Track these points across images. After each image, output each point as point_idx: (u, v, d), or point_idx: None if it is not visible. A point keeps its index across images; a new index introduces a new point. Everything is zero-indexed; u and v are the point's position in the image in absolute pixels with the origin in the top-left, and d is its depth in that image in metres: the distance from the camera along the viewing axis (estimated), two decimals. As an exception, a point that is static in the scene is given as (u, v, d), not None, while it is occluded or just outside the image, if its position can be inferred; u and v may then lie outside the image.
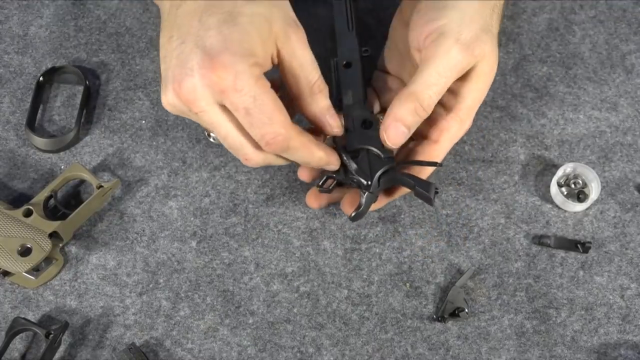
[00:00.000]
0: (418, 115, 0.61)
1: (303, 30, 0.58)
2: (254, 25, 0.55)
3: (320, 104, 0.61)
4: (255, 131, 0.56)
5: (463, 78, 0.62)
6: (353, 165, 0.62)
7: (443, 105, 0.65)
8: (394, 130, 0.61)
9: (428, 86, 0.60)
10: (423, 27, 0.61)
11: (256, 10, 0.56)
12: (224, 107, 0.56)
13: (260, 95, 0.55)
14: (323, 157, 0.61)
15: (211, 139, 0.73)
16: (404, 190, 0.66)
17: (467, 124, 0.65)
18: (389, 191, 0.67)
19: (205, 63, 0.54)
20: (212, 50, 0.54)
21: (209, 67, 0.53)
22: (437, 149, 0.65)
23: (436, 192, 0.62)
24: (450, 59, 0.60)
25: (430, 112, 0.61)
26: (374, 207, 0.66)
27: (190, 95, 0.55)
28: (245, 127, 0.57)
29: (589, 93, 0.77)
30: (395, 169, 0.63)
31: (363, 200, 0.63)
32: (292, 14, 0.58)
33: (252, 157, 0.59)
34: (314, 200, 0.68)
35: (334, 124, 0.62)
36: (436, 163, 0.64)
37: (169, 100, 0.57)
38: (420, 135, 0.66)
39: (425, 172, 0.67)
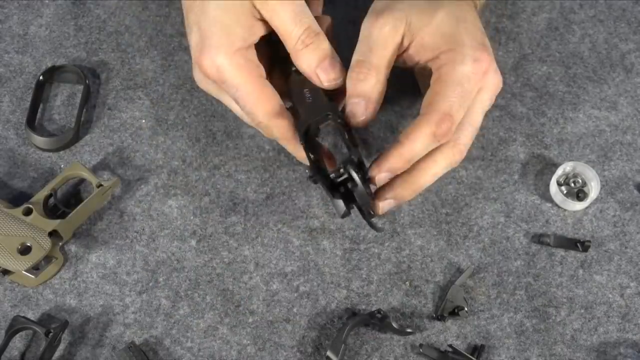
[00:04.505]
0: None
1: None
2: (223, 9, 0.57)
3: (306, 60, 0.59)
4: (246, 116, 0.61)
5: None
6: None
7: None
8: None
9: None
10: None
11: None
12: None
13: (241, 85, 0.58)
14: (302, 158, 0.62)
15: None
16: None
17: (436, 125, 0.59)
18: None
19: (197, 58, 0.59)
20: (197, 47, 0.59)
21: (199, 63, 0.59)
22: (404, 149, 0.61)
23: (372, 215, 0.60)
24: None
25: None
26: None
27: (202, 85, 0.63)
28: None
29: (589, 92, 0.77)
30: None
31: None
32: None
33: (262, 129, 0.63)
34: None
35: (324, 79, 0.60)
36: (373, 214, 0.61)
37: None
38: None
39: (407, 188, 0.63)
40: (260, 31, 0.60)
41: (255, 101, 0.59)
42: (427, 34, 0.60)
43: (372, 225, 0.60)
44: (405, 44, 0.61)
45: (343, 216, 0.60)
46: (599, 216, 0.71)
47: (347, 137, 0.59)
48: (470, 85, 0.59)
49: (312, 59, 0.60)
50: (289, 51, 0.60)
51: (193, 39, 0.59)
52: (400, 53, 0.62)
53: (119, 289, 0.68)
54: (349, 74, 0.60)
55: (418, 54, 0.61)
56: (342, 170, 0.57)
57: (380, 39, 0.59)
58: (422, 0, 0.61)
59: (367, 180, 0.60)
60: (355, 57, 0.60)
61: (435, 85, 0.59)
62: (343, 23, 0.69)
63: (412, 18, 0.60)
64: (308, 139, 0.60)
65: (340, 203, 0.59)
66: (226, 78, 0.58)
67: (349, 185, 0.58)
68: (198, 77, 0.63)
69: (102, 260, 0.69)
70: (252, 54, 0.60)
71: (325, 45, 0.60)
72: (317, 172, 0.59)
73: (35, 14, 0.79)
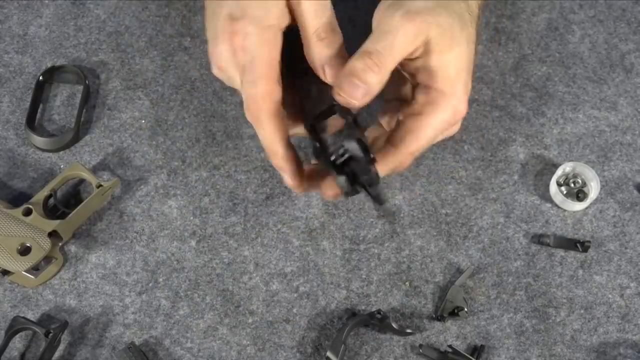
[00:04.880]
0: None
1: None
2: None
3: (317, 53, 0.59)
4: (242, 90, 0.59)
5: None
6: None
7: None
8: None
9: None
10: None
11: None
12: None
13: (258, 57, 0.58)
14: (278, 155, 0.60)
15: None
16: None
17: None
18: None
19: (227, 27, 0.58)
20: (231, 16, 0.58)
21: (229, 31, 0.58)
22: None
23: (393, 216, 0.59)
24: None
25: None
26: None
27: (219, 60, 0.60)
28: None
29: (589, 92, 0.77)
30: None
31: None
32: None
33: None
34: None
35: (329, 74, 0.59)
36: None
37: (213, 71, 0.63)
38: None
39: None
40: (288, 20, 0.60)
41: (265, 70, 0.58)
42: (436, 61, 0.60)
43: (380, 202, 0.58)
44: (414, 53, 0.60)
45: (347, 194, 0.58)
46: (598, 216, 0.71)
47: (354, 125, 0.58)
48: (440, 131, 0.62)
49: (323, 53, 0.60)
50: (303, 42, 0.60)
51: (224, 11, 0.59)
52: None
53: (119, 290, 0.68)
54: (361, 54, 0.58)
55: (413, 67, 0.61)
56: (343, 148, 0.56)
57: (399, 42, 0.58)
58: (447, 21, 0.59)
59: (373, 162, 0.59)
60: (373, 45, 0.58)
61: (413, 120, 0.61)
62: (343, 23, 0.69)
63: (433, 36, 0.59)
64: (313, 130, 0.60)
65: (343, 179, 0.57)
66: (248, 45, 0.58)
67: (352, 165, 0.57)
68: (220, 50, 0.60)
69: (102, 261, 0.69)
70: (279, 39, 0.59)
71: (339, 44, 0.60)
72: (320, 154, 0.58)
73: (35, 14, 0.79)
